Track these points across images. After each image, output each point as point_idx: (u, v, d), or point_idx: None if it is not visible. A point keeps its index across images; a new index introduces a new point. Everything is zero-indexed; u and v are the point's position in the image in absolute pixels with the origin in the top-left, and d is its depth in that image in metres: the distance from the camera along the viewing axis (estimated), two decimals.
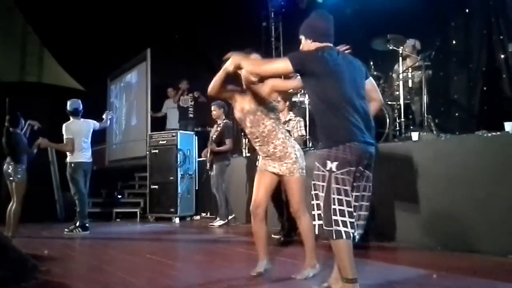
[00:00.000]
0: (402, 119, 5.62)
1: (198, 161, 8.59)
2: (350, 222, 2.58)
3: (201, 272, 3.72)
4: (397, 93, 5.87)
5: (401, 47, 5.95)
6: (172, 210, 8.14)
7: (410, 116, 5.96)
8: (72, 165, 6.56)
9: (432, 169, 4.54)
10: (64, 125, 6.66)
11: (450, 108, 6.78)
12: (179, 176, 8.19)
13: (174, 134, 8.41)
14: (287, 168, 3.36)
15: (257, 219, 3.45)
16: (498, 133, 4.22)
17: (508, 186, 3.96)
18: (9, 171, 6.22)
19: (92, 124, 6.86)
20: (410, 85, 5.97)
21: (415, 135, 5.07)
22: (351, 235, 2.59)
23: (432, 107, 5.95)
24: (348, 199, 2.59)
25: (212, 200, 7.75)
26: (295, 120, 5.55)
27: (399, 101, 5.76)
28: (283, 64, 2.73)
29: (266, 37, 9.76)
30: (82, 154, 6.65)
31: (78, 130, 6.67)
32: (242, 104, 3.43)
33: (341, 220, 2.56)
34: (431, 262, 3.96)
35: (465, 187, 4.26)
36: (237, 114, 3.49)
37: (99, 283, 3.51)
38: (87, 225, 6.63)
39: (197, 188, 8.59)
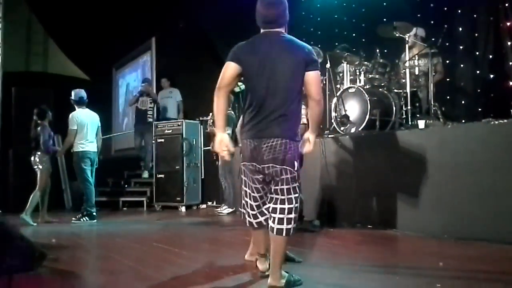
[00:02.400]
0: (409, 107, 5.59)
1: (204, 150, 8.61)
2: (253, 214, 2.85)
3: (207, 260, 3.74)
4: (404, 81, 5.84)
5: (408, 35, 5.90)
6: (178, 199, 8.18)
7: (417, 104, 5.92)
8: (79, 154, 6.64)
9: (439, 157, 4.53)
10: (70, 115, 6.72)
11: (457, 96, 6.73)
12: (185, 165, 8.21)
13: (179, 123, 8.42)
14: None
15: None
16: (505, 120, 4.19)
17: (508, 173, 3.95)
18: (33, 160, 6.63)
19: (98, 120, 6.99)
20: (416, 72, 5.93)
21: (421, 123, 5.05)
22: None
23: (439, 95, 5.91)
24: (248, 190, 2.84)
25: (219, 189, 7.79)
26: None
27: (405, 89, 5.73)
28: (226, 65, 2.72)
29: None
30: (88, 144, 6.71)
31: (84, 120, 6.73)
32: None
33: (247, 211, 2.87)
34: (437, 250, 3.96)
35: (471, 175, 4.25)
36: None
37: (106, 271, 3.54)
38: (94, 214, 6.69)
39: (203, 177, 8.62)
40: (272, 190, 2.73)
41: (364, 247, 4.34)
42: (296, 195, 2.71)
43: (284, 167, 2.64)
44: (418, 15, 6.87)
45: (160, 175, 8.50)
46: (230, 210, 7.30)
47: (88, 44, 10.44)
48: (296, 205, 2.70)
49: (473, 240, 4.09)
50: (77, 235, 5.65)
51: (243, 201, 2.90)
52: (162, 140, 8.51)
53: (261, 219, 2.85)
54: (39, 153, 6.60)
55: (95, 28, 10.21)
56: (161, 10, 9.93)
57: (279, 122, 2.62)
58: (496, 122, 4.22)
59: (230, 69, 2.69)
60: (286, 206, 2.68)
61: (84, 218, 6.60)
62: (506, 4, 6.13)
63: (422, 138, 4.76)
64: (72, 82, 10.01)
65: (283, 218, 2.67)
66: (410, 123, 5.48)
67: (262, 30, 2.81)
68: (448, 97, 6.65)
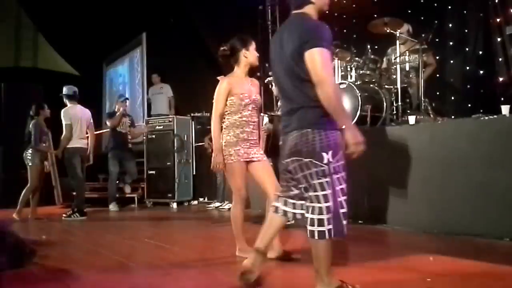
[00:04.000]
0: (399, 103, 5.61)
1: (195, 146, 8.59)
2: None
3: (199, 256, 3.74)
4: (394, 77, 5.86)
5: (398, 31, 5.92)
6: (170, 195, 8.17)
7: (407, 100, 5.96)
8: (70, 150, 6.61)
9: (429, 152, 4.56)
10: (62, 111, 6.69)
11: (447, 92, 6.78)
12: (176, 161, 8.19)
13: (170, 119, 8.39)
14: (262, 151, 3.64)
15: (240, 204, 3.59)
16: (495, 116, 4.22)
17: (504, 169, 3.98)
18: (25, 156, 6.63)
19: (90, 116, 7.00)
20: (407, 68, 5.96)
21: (412, 119, 5.07)
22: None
23: (429, 90, 5.95)
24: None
25: (212, 185, 7.79)
26: None
27: (396, 85, 5.76)
28: None
29: (263, 20, 9.67)
30: (79, 140, 6.69)
31: (76, 115, 6.71)
32: (249, 92, 3.54)
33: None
34: (427, 245, 4.00)
35: (461, 171, 4.28)
36: (240, 98, 3.49)
37: (97, 267, 3.53)
38: (84, 210, 6.67)
39: (194, 173, 8.60)
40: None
41: (354, 242, 4.36)
42: (325, 192, 2.38)
43: (308, 160, 2.41)
44: (409, 11, 6.89)
45: (151, 172, 8.47)
46: (218, 204, 7.36)
47: (78, 39, 10.35)
48: (326, 204, 2.37)
49: (463, 234, 4.12)
50: (68, 232, 5.62)
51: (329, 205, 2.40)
52: (153, 136, 8.48)
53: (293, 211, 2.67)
54: (30, 149, 6.58)
55: (85, 23, 10.12)
56: (152, 5, 9.88)
57: (296, 114, 2.46)
58: (486, 118, 4.25)
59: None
60: (315, 205, 2.41)
61: (74, 214, 6.57)
62: (496, 1, 6.17)
63: (413, 134, 4.78)
64: (62, 77, 9.93)
65: (313, 219, 2.40)
66: (400, 118, 5.51)
67: None
68: (438, 93, 6.70)
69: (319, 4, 2.56)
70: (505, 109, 4.24)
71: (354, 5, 8.08)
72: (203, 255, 3.82)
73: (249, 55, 3.54)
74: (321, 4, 2.57)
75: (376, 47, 6.51)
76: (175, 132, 8.24)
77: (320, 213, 2.37)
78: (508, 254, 3.54)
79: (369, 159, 5.23)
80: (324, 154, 2.38)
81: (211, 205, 7.62)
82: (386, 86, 5.98)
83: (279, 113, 5.50)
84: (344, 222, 2.40)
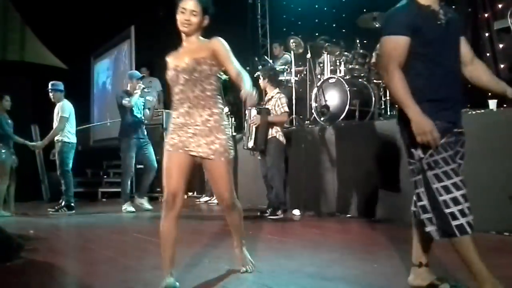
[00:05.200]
0: (388, 98, 5.65)
1: None
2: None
3: (188, 251, 3.74)
4: None
5: None
6: (158, 189, 8.12)
7: None
8: (69, 145, 6.57)
9: None
10: (61, 104, 6.62)
11: None
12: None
13: (159, 113, 8.35)
14: (221, 145, 2.65)
15: (171, 214, 2.62)
16: (482, 110, 4.27)
17: (492, 162, 4.03)
18: None
19: None
20: None
21: None
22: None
23: None
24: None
25: (201, 179, 7.79)
26: (278, 96, 5.56)
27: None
28: None
29: (252, 14, 9.66)
30: (73, 135, 6.67)
31: (72, 110, 6.72)
32: (177, 62, 2.75)
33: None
34: (412, 238, 4.02)
35: None
36: (169, 73, 2.77)
37: (85, 261, 3.52)
38: (72, 204, 6.62)
39: None
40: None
41: (344, 235, 4.39)
42: (417, 190, 2.26)
43: (407, 157, 2.35)
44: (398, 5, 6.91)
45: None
46: (207, 198, 7.38)
47: (65, 32, 10.23)
48: (420, 203, 2.24)
49: None
50: (56, 226, 5.58)
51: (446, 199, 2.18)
52: None
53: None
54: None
55: (73, 16, 10.01)
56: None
57: None
58: (473, 112, 4.30)
59: None
60: (418, 203, 2.28)
61: (62, 209, 6.53)
62: None
63: None
64: (50, 71, 9.82)
65: (422, 220, 2.27)
66: (389, 113, 5.55)
67: None
68: None
69: None
70: (492, 103, 4.29)
71: (343, 0, 8.11)
72: (192, 249, 3.81)
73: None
74: None
75: (365, 41, 6.53)
76: (163, 126, 8.21)
77: (423, 212, 2.24)
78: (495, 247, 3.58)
79: (358, 153, 5.29)
80: (413, 150, 2.26)
81: (200, 199, 7.62)
82: (375, 81, 6.02)
83: (268, 106, 5.54)
84: (455, 222, 2.13)
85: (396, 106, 2.35)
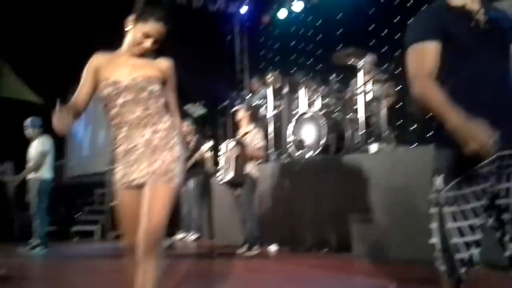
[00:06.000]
0: (363, 132, 5.71)
1: None
2: None
3: None
4: (357, 106, 5.98)
5: (361, 61, 6.08)
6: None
7: (370, 129, 6.07)
8: (47, 182, 6.43)
9: (390, 180, 4.63)
10: (41, 139, 6.52)
11: (408, 121, 6.95)
12: None
13: None
14: (163, 164, 2.19)
15: (134, 258, 2.23)
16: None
17: None
18: None
19: None
20: (369, 98, 6.09)
21: (374, 147, 5.16)
22: None
23: (391, 120, 6.08)
24: None
25: (179, 215, 7.68)
26: (255, 130, 5.59)
27: (359, 114, 5.87)
28: None
29: (230, 51, 9.82)
30: (50, 172, 6.55)
31: (52, 147, 6.62)
32: (117, 76, 2.26)
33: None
34: (390, 273, 4.00)
35: (422, 197, 4.33)
36: (107, 90, 2.25)
37: None
38: (44, 244, 6.43)
39: None
40: None
41: (320, 271, 4.34)
42: (431, 225, 2.04)
43: None
44: (371, 43, 7.11)
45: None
46: (196, 235, 7.21)
47: (43, 67, 10.21)
48: (433, 240, 2.02)
49: (428, 263, 4.15)
50: (27, 266, 5.41)
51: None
52: None
53: None
54: None
55: (50, 49, 10.01)
56: (119, 31, 9.85)
57: None
58: None
59: None
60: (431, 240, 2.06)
61: (34, 248, 6.33)
62: None
63: (375, 162, 4.86)
64: (27, 106, 9.73)
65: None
66: (363, 147, 5.60)
67: None
68: (399, 122, 6.85)
69: None
70: None
71: (319, 37, 8.31)
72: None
73: (132, 30, 2.31)
74: None
75: (340, 76, 6.65)
76: None
77: (435, 249, 1.98)
78: None
79: (333, 187, 5.31)
80: (434, 178, 1.92)
81: (175, 237, 7.46)
82: (350, 115, 6.09)
83: (261, 144, 5.56)
84: (460, 270, 1.86)
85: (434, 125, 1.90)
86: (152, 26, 2.25)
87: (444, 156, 1.87)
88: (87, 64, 2.37)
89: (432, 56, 1.85)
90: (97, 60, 2.36)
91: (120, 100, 2.22)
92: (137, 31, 2.28)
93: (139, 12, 2.28)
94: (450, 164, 1.84)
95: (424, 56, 1.86)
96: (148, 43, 2.27)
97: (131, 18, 2.31)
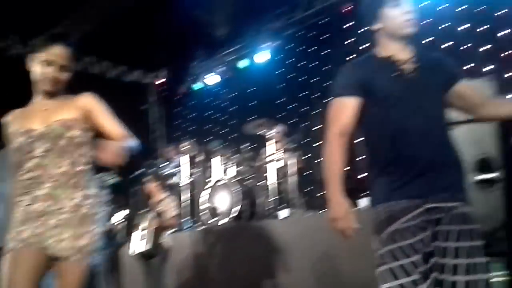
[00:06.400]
0: (274, 198, 5.92)
1: None
2: None
3: None
4: (268, 173, 6.23)
5: (271, 131, 6.41)
6: None
7: (281, 195, 6.30)
8: None
9: (300, 245, 4.77)
10: None
11: (317, 187, 7.30)
12: None
13: None
14: (91, 242, 1.99)
15: None
16: (354, 209, 4.62)
17: (366, 259, 4.28)
18: None
19: None
20: (279, 166, 6.37)
21: (284, 213, 5.35)
22: None
23: (301, 186, 6.37)
24: None
25: None
26: (168, 200, 5.57)
27: (270, 181, 6.10)
28: None
29: (146, 120, 9.86)
30: None
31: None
32: (29, 124, 2.04)
33: None
34: None
35: (330, 262, 4.51)
36: (17, 140, 2.02)
37: None
38: None
39: None
40: None
41: None
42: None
43: None
44: (280, 115, 7.57)
45: None
46: None
47: None
48: None
49: None
50: None
51: None
52: None
53: None
54: None
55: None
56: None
57: None
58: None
59: None
60: None
61: None
62: None
63: (286, 228, 5.01)
64: None
65: None
66: (274, 213, 5.78)
67: None
68: (308, 189, 7.18)
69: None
70: (362, 202, 4.68)
71: (234, 107, 8.70)
72: None
73: (32, 68, 2.10)
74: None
75: (252, 146, 6.93)
76: None
77: None
78: None
79: (247, 254, 5.34)
80: (373, 237, 1.85)
81: None
82: (261, 183, 6.31)
83: (175, 213, 5.48)
84: None
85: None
86: (50, 51, 2.04)
87: (375, 214, 1.85)
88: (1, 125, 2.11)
89: (349, 112, 1.87)
90: (9, 116, 2.12)
91: (38, 150, 1.97)
92: (37, 65, 2.05)
93: (32, 49, 2.08)
94: (379, 223, 1.82)
95: (341, 112, 1.89)
96: (50, 70, 2.03)
97: (29, 59, 2.10)
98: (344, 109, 1.87)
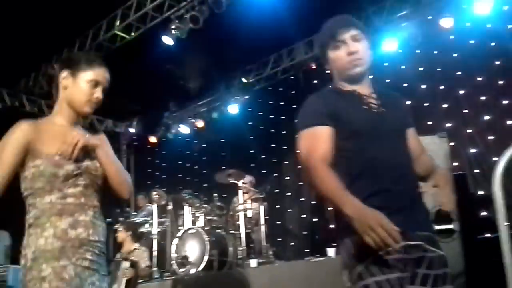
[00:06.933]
0: (244, 248, 5.99)
1: None
2: None
3: None
4: (238, 223, 6.32)
5: (241, 181, 6.56)
6: None
7: (251, 245, 6.37)
8: None
9: None
10: None
11: (286, 237, 7.43)
12: None
13: (4, 270, 7.60)
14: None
15: None
16: (323, 258, 4.76)
17: None
18: None
19: None
20: (249, 215, 6.49)
21: (253, 262, 5.42)
22: None
23: (270, 236, 6.48)
24: None
25: None
26: (140, 250, 5.57)
27: (240, 230, 6.19)
28: None
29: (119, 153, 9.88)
30: None
31: None
32: (65, 148, 1.85)
33: None
34: None
35: None
36: (63, 166, 1.85)
37: None
38: None
39: None
40: None
41: None
42: None
43: None
44: (251, 165, 7.75)
45: None
46: None
47: None
48: None
49: None
50: None
51: None
52: None
53: None
54: None
55: None
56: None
57: None
58: (316, 260, 4.77)
59: None
60: None
61: None
62: None
63: (255, 277, 5.07)
64: None
65: None
66: (244, 262, 5.84)
67: None
68: (279, 239, 7.30)
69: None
70: (331, 251, 4.82)
71: (204, 158, 8.84)
72: None
73: (72, 85, 1.91)
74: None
75: (223, 195, 7.04)
76: (9, 284, 7.44)
77: None
78: None
79: None
80: (342, 273, 1.74)
81: None
82: (231, 232, 6.38)
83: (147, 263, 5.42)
84: None
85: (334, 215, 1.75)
86: (99, 72, 1.90)
87: (345, 248, 1.70)
88: (15, 134, 1.85)
89: (326, 139, 1.75)
90: (27, 125, 1.86)
91: (80, 184, 1.87)
92: (80, 83, 1.88)
93: (72, 63, 1.91)
94: (348, 257, 1.68)
95: (317, 140, 1.75)
96: (99, 93, 1.91)
97: (63, 73, 1.91)
98: (321, 138, 1.75)
